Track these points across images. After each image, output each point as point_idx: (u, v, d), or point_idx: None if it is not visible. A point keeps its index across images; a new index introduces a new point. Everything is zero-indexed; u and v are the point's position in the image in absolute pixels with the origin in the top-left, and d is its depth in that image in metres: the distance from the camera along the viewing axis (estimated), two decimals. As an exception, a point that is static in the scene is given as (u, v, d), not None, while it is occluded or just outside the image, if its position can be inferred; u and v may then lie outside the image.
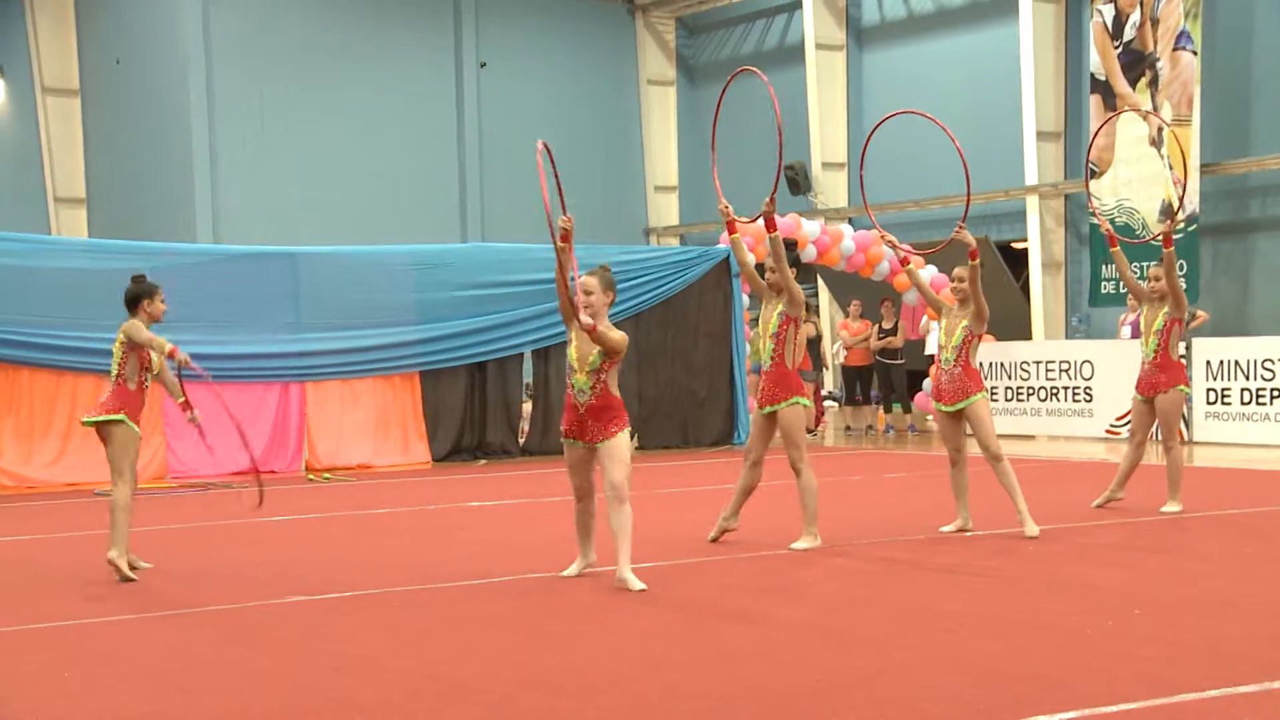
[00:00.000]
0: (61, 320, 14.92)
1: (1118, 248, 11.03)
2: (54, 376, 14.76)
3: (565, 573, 8.30)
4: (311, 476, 15.41)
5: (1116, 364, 18.04)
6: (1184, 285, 20.33)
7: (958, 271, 9.87)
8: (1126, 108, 21.10)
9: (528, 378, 17.76)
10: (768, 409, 9.28)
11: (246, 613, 7.53)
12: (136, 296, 9.51)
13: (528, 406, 17.87)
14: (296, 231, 23.64)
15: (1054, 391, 18.67)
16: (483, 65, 29.19)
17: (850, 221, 25.26)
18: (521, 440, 17.36)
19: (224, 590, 8.20)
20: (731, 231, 9.79)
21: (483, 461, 16.69)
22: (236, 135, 26.80)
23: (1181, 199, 19.38)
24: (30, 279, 15.03)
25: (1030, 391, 18.84)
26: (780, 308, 9.34)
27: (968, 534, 9.78)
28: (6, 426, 14.60)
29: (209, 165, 26.62)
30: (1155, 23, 21.55)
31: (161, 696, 5.72)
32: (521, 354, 17.35)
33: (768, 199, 9.29)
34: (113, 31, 28.33)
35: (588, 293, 7.69)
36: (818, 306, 25.11)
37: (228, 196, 26.66)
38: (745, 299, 18.81)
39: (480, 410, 16.97)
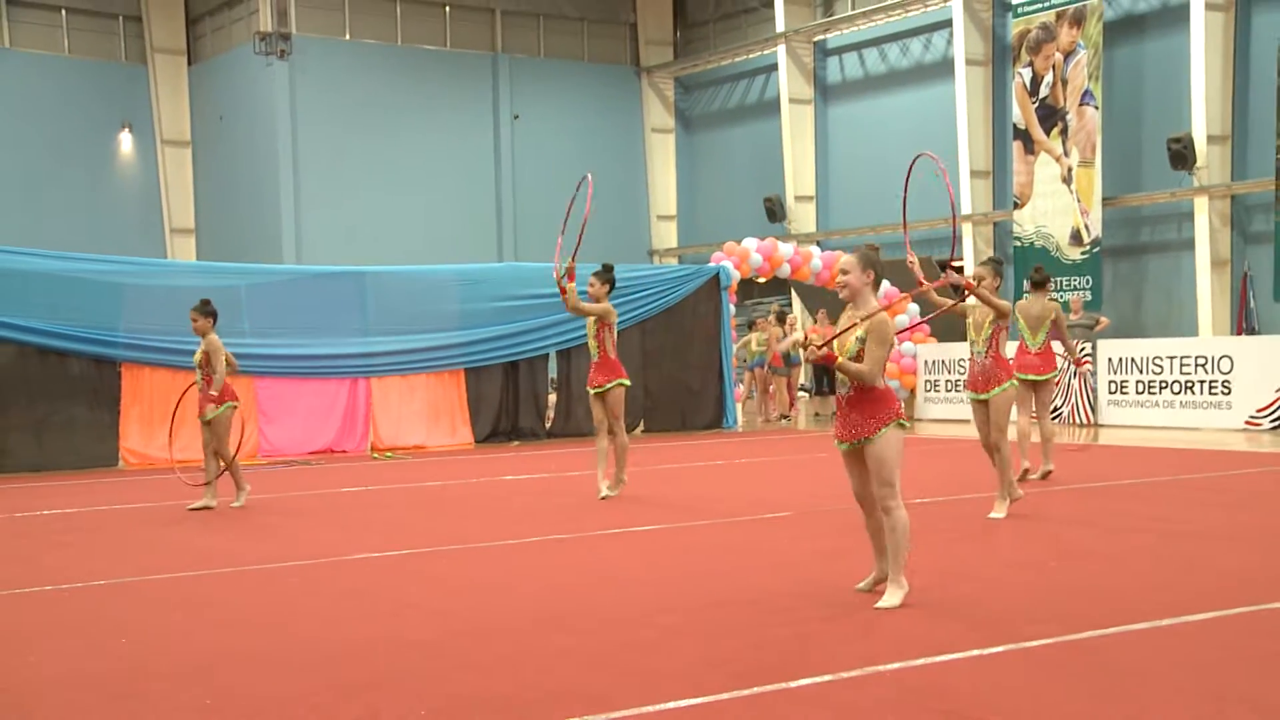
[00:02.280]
0: (176, 327, 14.89)
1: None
2: (170, 374, 14.74)
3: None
4: (376, 455, 15.39)
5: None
6: (1085, 298, 20.37)
7: (977, 271, 9.10)
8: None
9: (553, 373, 17.72)
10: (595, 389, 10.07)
11: (321, 567, 7.51)
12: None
13: (553, 397, 17.82)
14: (364, 254, 23.63)
15: (983, 383, 18.63)
16: (516, 117, 29.21)
17: (819, 244, 25.21)
18: (547, 425, 17.32)
19: (302, 549, 8.18)
20: (563, 294, 9.71)
21: (515, 443, 16.66)
22: (315, 177, 26.86)
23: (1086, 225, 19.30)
24: (151, 295, 15.04)
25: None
26: (594, 327, 10.00)
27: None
28: (132, 414, 14.61)
29: (293, 201, 26.68)
30: (1065, 83, 21.52)
31: (253, 637, 5.70)
32: (547, 354, 17.31)
33: (568, 262, 9.67)
34: (218, 94, 28.38)
35: (844, 271, 5.97)
36: (792, 313, 25.08)
37: (308, 226, 26.71)
38: (732, 308, 18.75)
39: (513, 400, 16.94)
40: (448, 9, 28.90)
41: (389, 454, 15.38)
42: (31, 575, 7.41)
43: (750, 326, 21.39)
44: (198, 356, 10.24)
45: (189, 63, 29.09)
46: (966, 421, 18.41)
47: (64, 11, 27.84)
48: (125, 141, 28.58)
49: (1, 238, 22.89)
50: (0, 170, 26.86)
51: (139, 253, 23.90)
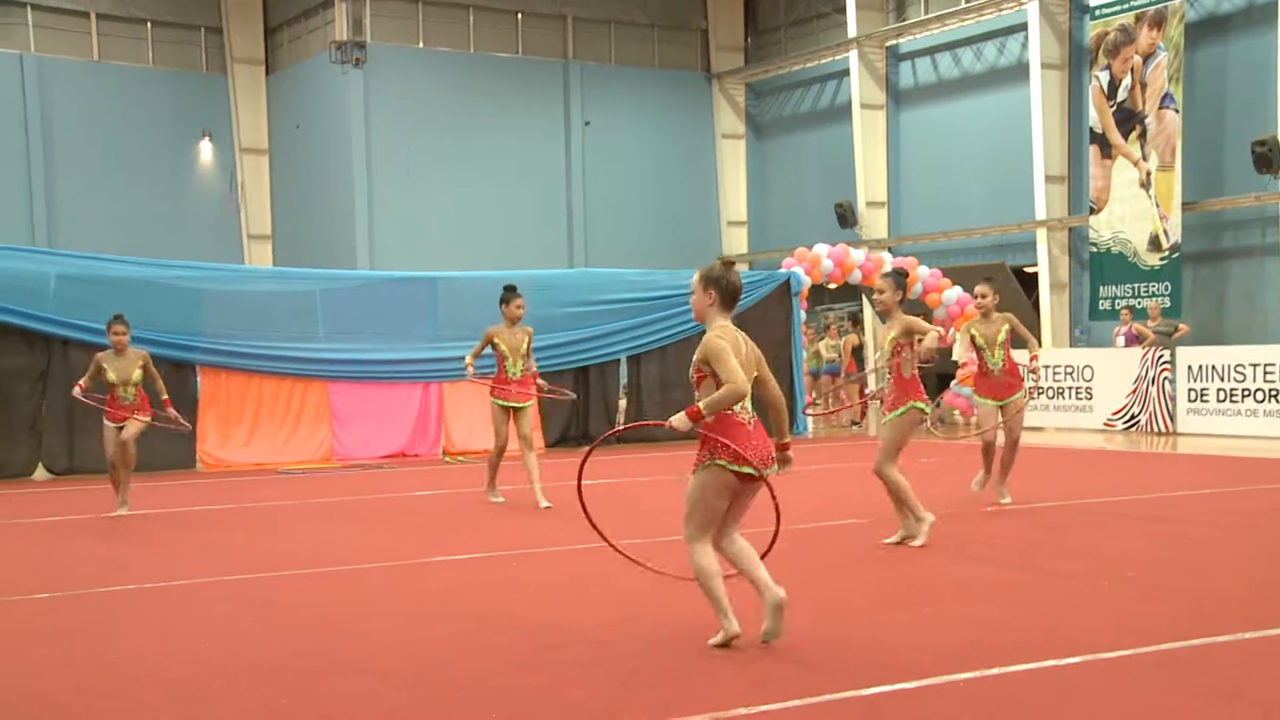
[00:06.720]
0: (252, 332, 15.17)
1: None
2: (245, 378, 14.99)
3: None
4: (447, 459, 15.49)
5: (1112, 368, 17.68)
6: (1164, 305, 19.99)
7: (979, 289, 9.75)
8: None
9: (624, 379, 17.73)
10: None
11: (396, 570, 7.56)
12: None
13: (623, 403, 17.84)
14: (436, 260, 23.84)
15: (1060, 391, 18.34)
16: (587, 124, 29.29)
17: (890, 250, 24.99)
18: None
19: (377, 552, 8.24)
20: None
21: (585, 448, 16.66)
22: (388, 184, 27.14)
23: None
24: (228, 300, 15.31)
25: (1040, 391, 18.51)
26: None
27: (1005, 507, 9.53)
28: (209, 417, 14.83)
29: (367, 208, 26.98)
30: (1144, 86, 21.11)
31: (328, 639, 5.75)
32: (618, 359, 17.32)
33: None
34: (295, 103, 28.81)
35: (690, 291, 5.83)
36: (862, 319, 24.90)
37: (381, 232, 27.00)
38: (802, 314, 18.63)
39: (584, 405, 16.97)
40: (520, 16, 29.08)
41: (460, 458, 15.47)
42: (114, 575, 7.55)
43: (826, 330, 21.30)
44: (137, 374, 10.27)
45: (267, 72, 29.58)
46: (1040, 429, 18.17)
47: (149, 24, 28.48)
48: (205, 150, 29.12)
49: (88, 244, 23.44)
50: (88, 178, 27.51)
51: (217, 259, 24.32)
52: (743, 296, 19.25)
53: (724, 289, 5.31)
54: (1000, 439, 9.80)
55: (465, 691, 4.76)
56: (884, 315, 8.24)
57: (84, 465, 14.04)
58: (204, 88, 28.98)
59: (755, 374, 5.34)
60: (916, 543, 7.92)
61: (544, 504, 10.25)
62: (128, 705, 4.71)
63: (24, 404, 13.96)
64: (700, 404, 5.10)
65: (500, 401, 10.64)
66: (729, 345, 5.16)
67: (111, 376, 10.19)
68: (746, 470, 5.17)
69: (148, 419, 10.29)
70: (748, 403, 5.26)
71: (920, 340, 7.89)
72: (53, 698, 4.81)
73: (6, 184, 26.75)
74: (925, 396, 8.19)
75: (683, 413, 5.11)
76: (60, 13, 27.64)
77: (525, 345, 10.67)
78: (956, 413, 19.76)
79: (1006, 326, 9.70)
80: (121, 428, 10.24)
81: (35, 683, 5.03)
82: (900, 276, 8.28)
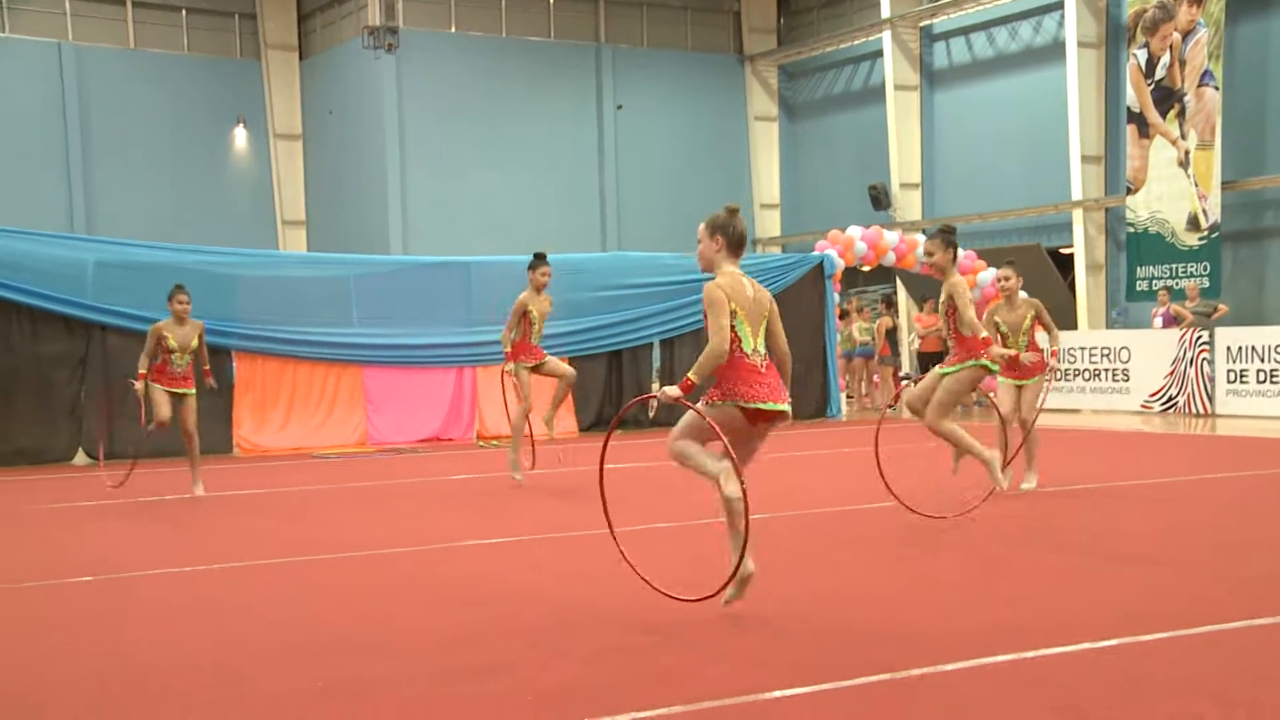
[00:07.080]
0: (287, 317, 15.25)
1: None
2: (280, 363, 15.07)
3: None
4: (481, 443, 15.53)
5: (1150, 349, 17.49)
6: (1203, 285, 19.72)
7: (1001, 271, 9.77)
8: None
9: (657, 362, 17.71)
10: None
11: (431, 553, 7.57)
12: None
13: (655, 386, 17.81)
14: (469, 244, 23.89)
15: (1096, 373, 18.18)
16: (619, 107, 29.24)
17: (924, 232, 24.79)
18: (651, 414, 17.26)
19: (412, 535, 8.26)
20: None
21: (618, 432, 16.65)
22: (421, 169, 27.21)
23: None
24: (263, 285, 15.39)
25: (1077, 373, 18.37)
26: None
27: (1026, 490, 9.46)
28: (245, 403, 14.93)
29: (400, 192, 27.07)
30: (1183, 63, 20.84)
31: (363, 622, 5.76)
32: (651, 343, 17.30)
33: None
34: (328, 88, 28.92)
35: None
36: (896, 302, 24.74)
37: (414, 217, 27.09)
38: (836, 296, 18.53)
39: (617, 389, 16.96)
40: (551, 0, 29.04)
41: (494, 442, 15.50)
42: (147, 559, 7.61)
43: (859, 313, 21.18)
44: (195, 342, 10.59)
45: (300, 58, 29.69)
46: (1077, 412, 18.00)
47: (184, 11, 28.64)
48: (239, 136, 29.28)
49: (125, 230, 23.62)
50: (126, 165, 27.74)
51: (252, 244, 24.47)
52: (776, 280, 19.16)
53: (730, 235, 5.55)
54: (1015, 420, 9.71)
55: (495, 674, 4.76)
56: (939, 275, 8.19)
57: (123, 451, 14.15)
58: (238, 74, 29.14)
59: (764, 322, 5.55)
60: (1002, 486, 8.19)
61: (543, 432, 10.74)
62: (156, 690, 4.73)
63: (64, 390, 14.09)
64: (690, 374, 5.29)
65: (526, 365, 10.70)
66: (726, 295, 5.40)
67: (172, 343, 10.41)
68: (757, 406, 5.36)
69: (193, 390, 10.57)
70: (759, 344, 5.49)
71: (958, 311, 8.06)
72: (80, 684, 4.84)
73: (46, 171, 27.02)
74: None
75: (676, 385, 5.32)
76: (96, 1, 27.85)
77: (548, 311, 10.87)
78: (991, 394, 19.59)
79: (1032, 313, 9.58)
80: (176, 395, 10.40)
81: (59, 670, 5.06)
82: (948, 234, 8.14)
